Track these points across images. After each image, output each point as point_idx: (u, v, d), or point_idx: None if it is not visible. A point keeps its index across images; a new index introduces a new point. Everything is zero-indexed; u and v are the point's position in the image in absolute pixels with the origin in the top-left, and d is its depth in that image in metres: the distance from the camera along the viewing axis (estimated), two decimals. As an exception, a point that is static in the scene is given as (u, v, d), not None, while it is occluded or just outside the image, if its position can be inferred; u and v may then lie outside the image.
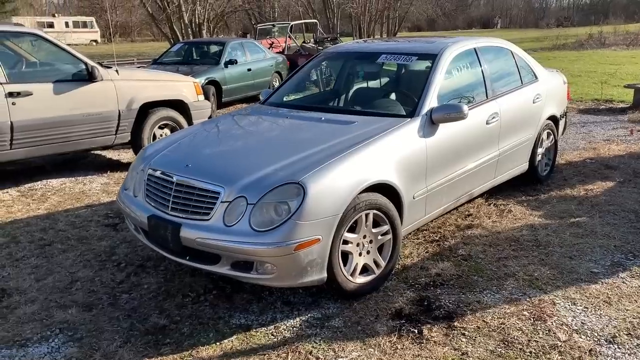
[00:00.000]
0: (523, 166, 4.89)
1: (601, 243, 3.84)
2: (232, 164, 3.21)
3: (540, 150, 5.09)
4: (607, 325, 2.85)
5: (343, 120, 3.65)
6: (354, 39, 26.86)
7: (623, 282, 3.29)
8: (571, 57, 20.18)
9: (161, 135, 6.27)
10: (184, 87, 6.54)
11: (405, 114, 3.71)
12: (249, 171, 3.04)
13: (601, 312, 2.97)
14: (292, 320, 3.01)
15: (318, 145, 3.23)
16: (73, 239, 4.20)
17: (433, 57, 4.00)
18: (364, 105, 4.08)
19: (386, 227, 3.26)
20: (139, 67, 11.47)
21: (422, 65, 4.15)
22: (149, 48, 34.43)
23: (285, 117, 3.95)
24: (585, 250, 3.74)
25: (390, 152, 3.30)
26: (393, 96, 4.18)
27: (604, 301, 3.08)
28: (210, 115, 7.42)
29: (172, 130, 6.37)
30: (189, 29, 20.93)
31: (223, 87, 10.13)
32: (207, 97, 9.04)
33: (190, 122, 6.52)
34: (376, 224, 3.22)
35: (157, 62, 10.98)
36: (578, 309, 3.01)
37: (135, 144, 6.13)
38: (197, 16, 21.43)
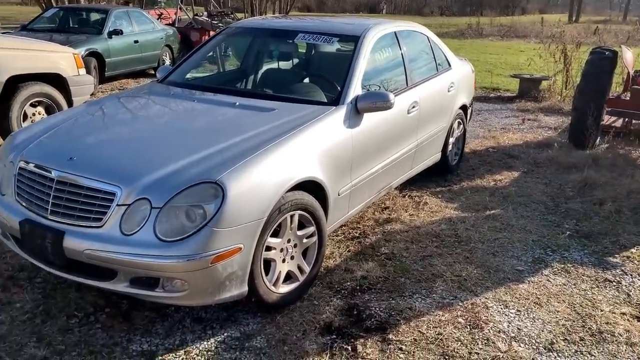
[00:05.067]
0: (436, 156, 4.77)
1: (519, 237, 3.80)
2: (131, 157, 2.66)
3: (451, 140, 5.00)
4: (542, 330, 2.73)
5: (261, 106, 3.21)
6: (245, 15, 26.00)
7: (548, 281, 3.23)
8: (454, 45, 20.97)
9: (34, 115, 5.37)
10: (62, 58, 5.63)
11: (327, 101, 3.36)
12: (153, 167, 2.52)
13: (534, 316, 2.86)
14: (205, 342, 2.57)
15: (236, 135, 2.77)
16: None
17: (356, 40, 3.67)
18: (281, 90, 3.65)
19: (312, 229, 2.91)
20: (4, 34, 10.00)
21: (343, 47, 3.82)
22: (16, 12, 30.77)
23: (192, 99, 3.41)
24: (506, 245, 3.67)
25: (315, 145, 2.94)
26: (313, 81, 3.80)
27: (534, 303, 2.99)
28: (92, 93, 6.55)
29: (48, 109, 5.48)
30: (64, -7, 18.85)
31: (106, 59, 9.09)
32: (88, 71, 8.05)
33: (69, 100, 5.66)
34: (301, 225, 2.86)
35: (27, 29, 9.57)
36: (511, 313, 2.88)
37: (1, 124, 5.17)
38: (73, -21, 19.35)
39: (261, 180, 2.53)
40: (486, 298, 3.02)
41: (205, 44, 4.20)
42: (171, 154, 2.62)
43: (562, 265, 3.43)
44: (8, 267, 3.15)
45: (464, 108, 5.17)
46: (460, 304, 2.95)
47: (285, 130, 2.85)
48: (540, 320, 2.83)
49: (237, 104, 3.24)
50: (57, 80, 5.56)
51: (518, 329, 2.75)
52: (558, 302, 3.01)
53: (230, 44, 4.74)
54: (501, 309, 2.92)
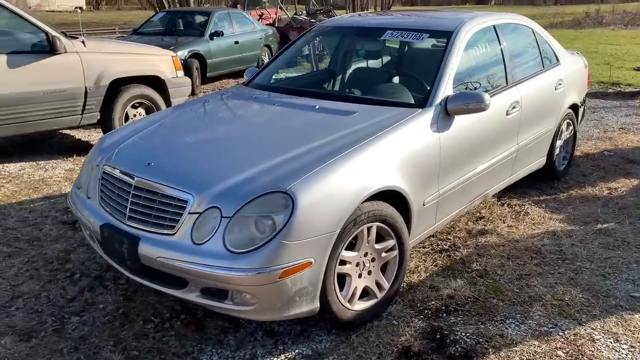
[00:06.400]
0: (540, 161, 4.33)
1: (637, 257, 3.31)
2: (205, 163, 2.61)
3: (559, 143, 4.53)
4: (662, 374, 2.33)
5: (341, 109, 3.04)
6: (347, 12, 25.95)
7: (671, 312, 2.77)
8: (569, 36, 19.51)
9: (134, 116, 5.62)
10: (161, 61, 5.85)
11: (414, 102, 3.12)
12: (226, 174, 2.44)
13: (652, 355, 2.45)
14: (275, 358, 2.46)
15: (312, 141, 2.63)
16: (23, 240, 3.59)
17: (448, 35, 3.38)
18: (365, 91, 3.46)
19: (392, 242, 2.70)
20: (118, 38, 10.71)
21: (435, 44, 3.54)
22: (135, 17, 33.14)
23: (272, 103, 3.32)
24: (620, 266, 3.21)
25: (398, 151, 2.72)
26: (399, 80, 3.58)
27: (653, 338, 2.56)
28: (193, 92, 6.77)
29: (148, 109, 5.72)
30: (176, -3, 19.90)
31: (208, 60, 9.40)
32: (190, 72, 8.37)
33: (168, 101, 5.87)
34: (379, 238, 2.66)
35: (138, 32, 10.20)
36: (623, 349, 2.48)
37: (105, 124, 5.47)
38: (184, -16, 20.37)
39: (335, 190, 2.36)
40: (592, 329, 2.63)
41: (288, 46, 4.10)
42: (245, 160, 2.53)
43: (691, 294, 2.93)
44: (97, 266, 3.26)
45: (574, 107, 4.66)
46: (561, 333, 2.60)
47: (365, 135, 2.66)
48: (660, 361, 2.41)
49: (317, 107, 3.10)
50: (156, 82, 5.78)
51: (631, 370, 2.36)
52: (684, 340, 2.55)
53: (319, 43, 4.62)
54: (610, 343, 2.53)
